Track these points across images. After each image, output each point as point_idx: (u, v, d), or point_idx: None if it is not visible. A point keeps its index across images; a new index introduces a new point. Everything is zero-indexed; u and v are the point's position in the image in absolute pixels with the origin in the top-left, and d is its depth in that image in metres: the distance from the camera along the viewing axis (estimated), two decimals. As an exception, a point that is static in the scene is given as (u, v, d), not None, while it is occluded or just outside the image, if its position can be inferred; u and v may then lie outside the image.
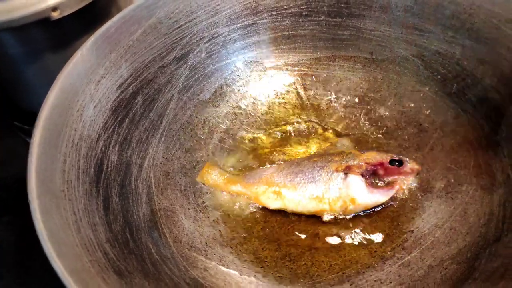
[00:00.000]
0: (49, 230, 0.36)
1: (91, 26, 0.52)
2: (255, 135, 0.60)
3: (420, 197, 0.52)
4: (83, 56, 0.49)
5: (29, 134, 0.71)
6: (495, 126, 0.50)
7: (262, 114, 0.62)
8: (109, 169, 0.48)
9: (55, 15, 0.55)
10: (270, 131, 0.60)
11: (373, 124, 0.59)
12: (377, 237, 0.50)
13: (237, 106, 0.62)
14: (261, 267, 0.49)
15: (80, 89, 0.48)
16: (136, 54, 0.54)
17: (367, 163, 0.52)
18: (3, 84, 0.66)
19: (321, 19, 0.61)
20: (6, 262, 0.58)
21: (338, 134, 0.60)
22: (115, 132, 0.50)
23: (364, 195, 0.51)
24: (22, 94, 0.67)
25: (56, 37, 0.60)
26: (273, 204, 0.52)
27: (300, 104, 0.62)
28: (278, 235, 0.51)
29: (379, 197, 0.51)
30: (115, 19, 0.52)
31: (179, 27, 0.57)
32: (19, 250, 0.60)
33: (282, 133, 0.60)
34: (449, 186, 0.51)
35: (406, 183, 0.52)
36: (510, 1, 0.50)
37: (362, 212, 0.52)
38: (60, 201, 0.40)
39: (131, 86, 0.53)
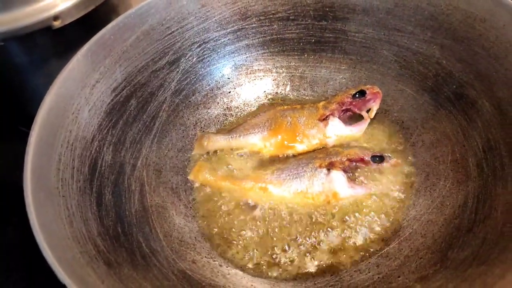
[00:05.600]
0: (41, 222, 0.39)
1: (93, 33, 0.54)
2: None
3: (400, 191, 0.54)
4: (79, 61, 0.52)
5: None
6: (471, 121, 0.52)
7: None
8: (103, 168, 0.51)
9: (57, 24, 0.59)
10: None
11: (359, 122, 0.61)
12: (359, 230, 0.52)
13: (227, 107, 0.65)
14: (247, 259, 0.51)
15: (75, 93, 0.50)
16: (129, 59, 0.56)
17: (349, 160, 0.54)
18: (10, 90, 0.69)
19: (307, 22, 0.63)
20: (14, 260, 0.61)
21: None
22: (109, 133, 0.53)
23: (345, 189, 0.53)
24: (28, 100, 0.70)
25: (59, 45, 0.63)
26: (260, 199, 0.55)
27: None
28: (265, 230, 0.53)
29: (360, 191, 0.53)
30: (109, 26, 0.55)
31: (171, 33, 0.59)
32: (26, 248, 0.61)
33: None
34: (428, 180, 0.53)
35: (387, 177, 0.54)
36: (483, 2, 0.51)
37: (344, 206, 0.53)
38: (54, 197, 0.43)
39: (125, 90, 0.56)
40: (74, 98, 0.50)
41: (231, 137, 0.60)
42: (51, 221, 0.41)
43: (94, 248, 0.43)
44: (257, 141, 0.59)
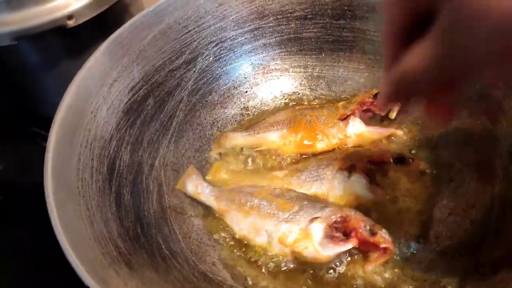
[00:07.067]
0: (63, 223, 0.38)
1: (106, 33, 0.54)
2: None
3: (423, 193, 0.53)
4: (97, 60, 0.51)
5: (46, 139, 0.73)
6: (496, 122, 0.51)
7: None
8: (121, 168, 0.50)
9: (71, 23, 0.58)
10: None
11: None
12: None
13: (244, 107, 0.64)
14: (268, 262, 0.50)
15: (94, 92, 0.50)
16: (147, 58, 0.56)
17: (370, 162, 0.53)
18: (21, 90, 0.69)
19: (325, 21, 0.62)
20: (25, 258, 0.61)
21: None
22: (127, 133, 0.53)
23: (366, 193, 0.51)
24: (39, 100, 0.69)
25: (72, 44, 0.62)
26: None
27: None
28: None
29: (381, 194, 0.52)
30: (126, 25, 0.55)
31: (188, 32, 0.59)
32: (37, 247, 0.62)
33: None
34: (452, 182, 0.52)
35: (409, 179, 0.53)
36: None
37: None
38: (74, 197, 0.43)
39: (142, 89, 0.55)
40: (92, 96, 0.50)
41: (249, 134, 0.59)
42: (72, 221, 0.40)
43: (115, 249, 0.42)
44: (276, 138, 0.58)
